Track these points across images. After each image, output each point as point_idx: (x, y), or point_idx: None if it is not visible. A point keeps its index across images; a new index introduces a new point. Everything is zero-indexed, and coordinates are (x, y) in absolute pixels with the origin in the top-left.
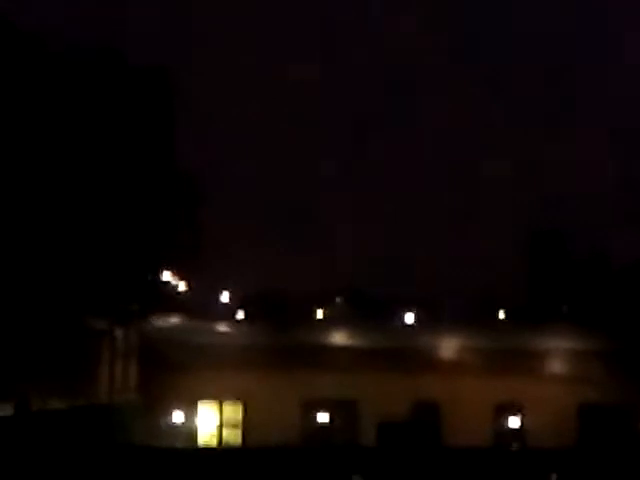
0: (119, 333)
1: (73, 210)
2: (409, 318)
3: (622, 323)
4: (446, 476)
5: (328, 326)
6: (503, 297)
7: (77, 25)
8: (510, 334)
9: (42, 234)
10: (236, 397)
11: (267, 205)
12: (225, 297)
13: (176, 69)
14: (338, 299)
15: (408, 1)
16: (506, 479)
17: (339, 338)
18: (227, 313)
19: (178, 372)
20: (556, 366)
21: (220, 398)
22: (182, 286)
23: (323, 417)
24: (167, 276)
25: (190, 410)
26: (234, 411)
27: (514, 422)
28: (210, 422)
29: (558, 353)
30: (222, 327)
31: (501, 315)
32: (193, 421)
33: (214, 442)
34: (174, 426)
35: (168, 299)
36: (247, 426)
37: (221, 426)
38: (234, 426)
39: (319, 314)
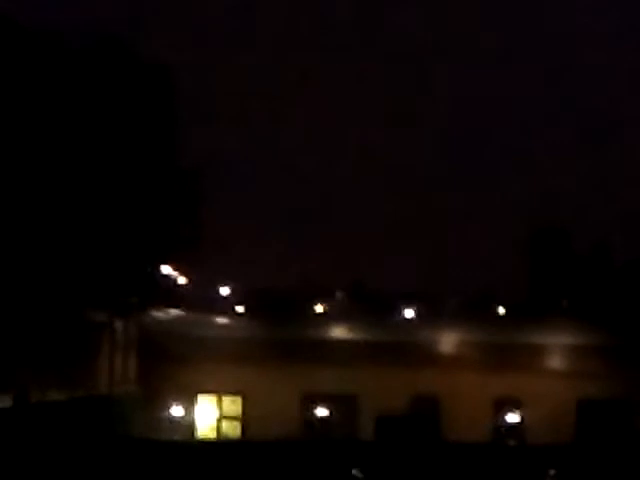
0: (119, 325)
1: (73, 203)
2: (409, 313)
3: (622, 318)
4: (444, 470)
5: (328, 320)
6: (503, 292)
7: (77, 17)
8: (510, 329)
9: (42, 227)
10: (235, 390)
11: (268, 201)
12: (225, 291)
13: (179, 64)
14: (338, 293)
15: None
16: (504, 474)
17: (339, 332)
18: (227, 306)
19: (177, 365)
20: (556, 361)
21: (219, 391)
22: (182, 279)
23: (322, 411)
24: (167, 269)
25: (189, 403)
26: (233, 404)
27: (513, 417)
28: (209, 415)
29: (558, 348)
30: (222, 320)
31: (501, 310)
32: (192, 414)
33: (213, 435)
34: (173, 419)
35: (168, 292)
36: (246, 419)
37: (220, 419)
38: (233, 419)
39: (319, 308)
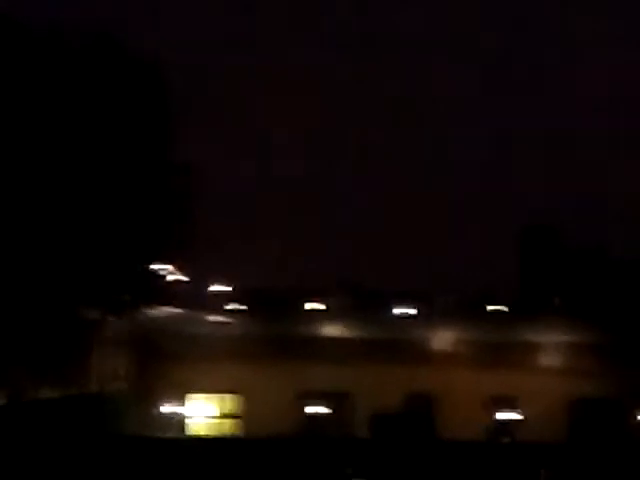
0: (112, 323)
1: (67, 200)
2: (404, 310)
3: (616, 316)
4: (438, 468)
5: (323, 318)
6: (496, 290)
7: (72, 14)
8: (504, 327)
9: (35, 224)
10: (229, 388)
11: (264, 199)
12: (220, 289)
13: (180, 65)
14: (333, 291)
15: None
16: (498, 471)
17: (334, 330)
18: (221, 304)
19: (171, 362)
20: (550, 359)
21: (214, 389)
22: (176, 277)
23: (318, 409)
24: (160, 267)
25: (183, 400)
26: (228, 402)
27: (507, 414)
28: (203, 412)
29: (552, 346)
30: (216, 318)
31: (495, 308)
32: (186, 411)
33: (206, 432)
34: (166, 416)
35: (161, 290)
36: (240, 417)
37: (215, 417)
38: (227, 417)
39: (314, 306)
